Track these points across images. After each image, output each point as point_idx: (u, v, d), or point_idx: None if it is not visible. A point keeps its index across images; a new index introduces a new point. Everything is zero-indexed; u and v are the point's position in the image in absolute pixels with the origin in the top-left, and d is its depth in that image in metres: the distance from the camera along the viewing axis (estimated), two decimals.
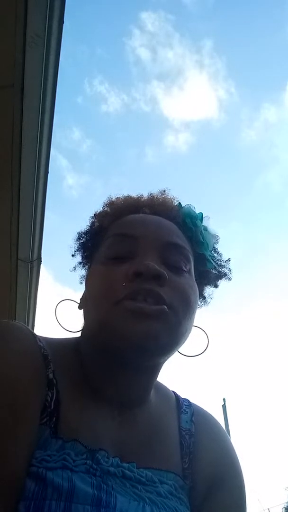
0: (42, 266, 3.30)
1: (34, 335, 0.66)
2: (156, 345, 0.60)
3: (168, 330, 0.61)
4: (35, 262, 3.19)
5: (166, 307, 0.62)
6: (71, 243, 0.82)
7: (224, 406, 13.82)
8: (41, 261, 3.23)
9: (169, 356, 0.69)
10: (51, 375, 0.62)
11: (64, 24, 1.96)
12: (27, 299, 3.57)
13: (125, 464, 0.61)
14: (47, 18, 1.87)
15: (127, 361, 0.63)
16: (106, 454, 0.60)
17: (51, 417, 0.59)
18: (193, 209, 0.77)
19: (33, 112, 2.23)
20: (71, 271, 0.82)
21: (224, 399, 13.99)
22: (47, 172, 2.65)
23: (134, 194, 0.81)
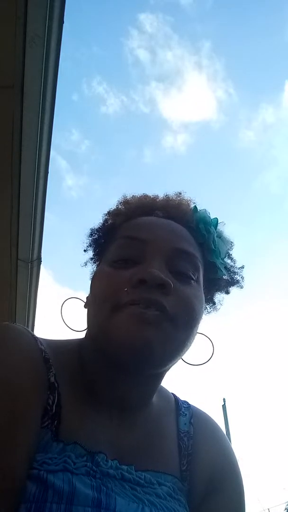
0: (42, 266, 3.31)
1: (35, 338, 0.66)
2: (154, 354, 0.59)
3: (165, 343, 0.60)
4: (35, 262, 3.19)
5: (165, 315, 0.61)
6: (75, 245, 0.81)
7: (224, 406, 13.82)
8: (41, 261, 3.23)
9: (171, 365, 0.67)
10: (52, 379, 0.62)
11: (63, 24, 1.96)
12: (27, 299, 3.58)
13: (124, 466, 0.62)
14: (47, 18, 1.87)
15: (125, 367, 0.63)
16: (105, 457, 0.60)
17: (52, 420, 0.59)
18: (208, 214, 0.75)
19: (33, 112, 2.22)
20: (82, 266, 0.82)
21: (224, 399, 14.00)
22: (47, 172, 2.65)
23: (150, 193, 0.80)
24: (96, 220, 0.81)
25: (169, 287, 0.61)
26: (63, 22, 1.95)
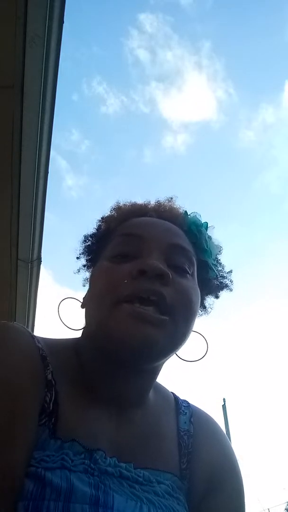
0: (42, 266, 3.31)
1: (33, 336, 0.66)
2: (154, 350, 0.61)
3: (166, 337, 0.62)
4: (35, 262, 3.20)
5: (167, 318, 0.62)
6: (75, 245, 0.83)
7: (224, 406, 13.82)
8: (41, 261, 3.23)
9: (166, 360, 0.69)
10: (49, 376, 0.62)
11: (63, 24, 1.96)
12: (27, 299, 3.58)
13: (122, 464, 0.62)
14: (47, 18, 1.87)
15: (124, 363, 0.64)
16: (104, 454, 0.60)
17: (50, 418, 0.59)
18: (198, 217, 0.78)
19: (33, 112, 2.23)
20: (75, 273, 0.83)
21: (224, 399, 14.00)
22: (47, 172, 2.66)
23: (138, 198, 0.82)
24: (96, 220, 0.82)
25: (167, 278, 0.63)
26: (63, 22, 1.95)
